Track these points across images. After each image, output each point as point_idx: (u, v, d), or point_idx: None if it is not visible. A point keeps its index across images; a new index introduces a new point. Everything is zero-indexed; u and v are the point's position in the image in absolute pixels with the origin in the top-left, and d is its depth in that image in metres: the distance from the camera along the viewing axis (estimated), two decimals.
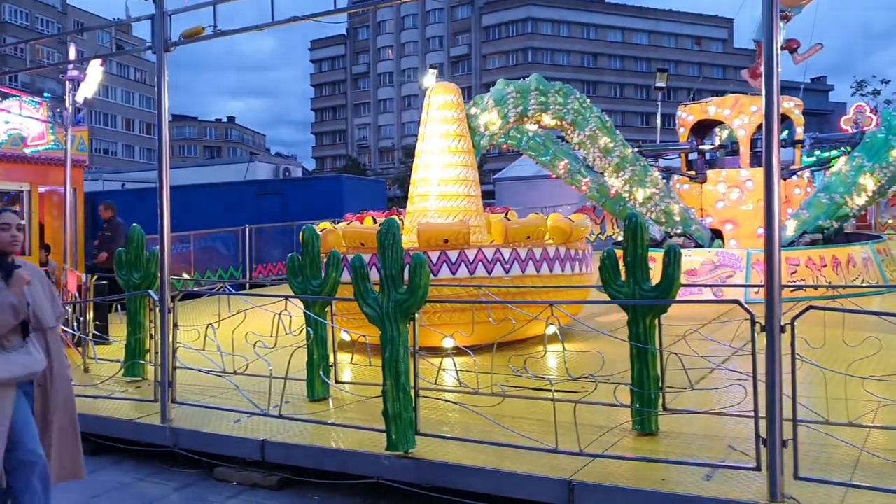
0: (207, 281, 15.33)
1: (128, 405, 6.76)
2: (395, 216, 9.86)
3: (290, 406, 6.14)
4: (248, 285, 16.36)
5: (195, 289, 12.35)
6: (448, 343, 6.66)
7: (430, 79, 15.82)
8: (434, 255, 8.09)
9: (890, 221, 24.82)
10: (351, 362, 7.43)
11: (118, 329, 9.02)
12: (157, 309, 6.37)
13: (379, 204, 24.69)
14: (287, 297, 6.39)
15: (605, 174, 12.98)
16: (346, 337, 8.11)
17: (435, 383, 5.99)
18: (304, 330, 6.37)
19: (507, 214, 9.94)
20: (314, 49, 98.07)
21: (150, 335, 7.15)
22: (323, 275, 6.51)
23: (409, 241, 8.73)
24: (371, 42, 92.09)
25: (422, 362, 5.44)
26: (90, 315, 8.69)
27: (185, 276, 13.83)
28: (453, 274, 8.11)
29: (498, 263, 8.30)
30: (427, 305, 7.69)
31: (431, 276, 7.93)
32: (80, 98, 10.58)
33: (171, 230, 6.38)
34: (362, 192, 26.77)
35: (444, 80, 10.83)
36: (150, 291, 7.01)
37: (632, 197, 12.79)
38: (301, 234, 6.81)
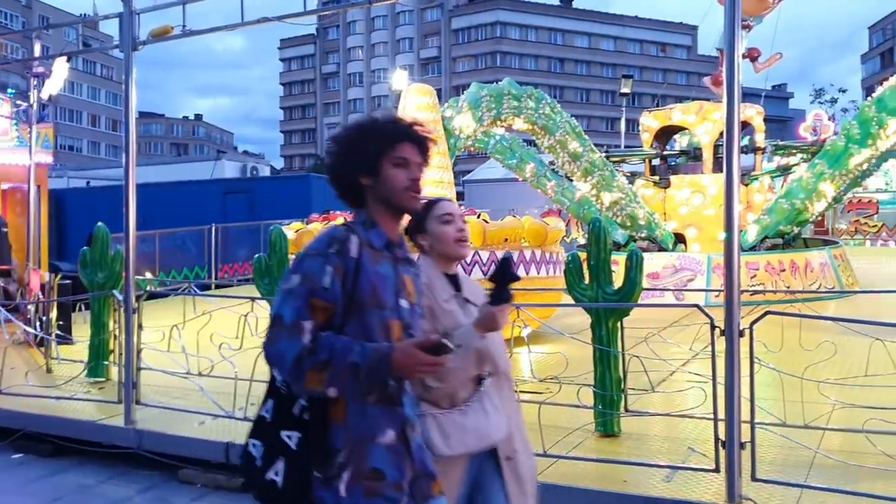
0: (173, 281, 15.19)
1: (91, 406, 6.68)
2: None
3: (256, 408, 6.10)
4: (213, 285, 16.24)
5: (160, 289, 12.23)
6: None
7: (400, 80, 15.86)
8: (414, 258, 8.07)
9: (844, 227, 25.38)
10: None
11: (82, 329, 8.92)
12: (122, 309, 6.32)
13: None
14: (254, 299, 6.38)
15: (574, 178, 13.13)
16: None
17: None
18: None
19: (479, 216, 9.95)
20: (283, 48, 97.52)
21: (114, 336, 7.09)
22: None
23: None
24: (341, 42, 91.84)
25: None
26: (53, 315, 8.57)
27: (149, 275, 13.68)
28: None
29: (476, 266, 8.33)
30: None
31: None
32: (45, 95, 10.44)
33: (136, 229, 6.33)
34: (330, 192, 26.60)
35: (415, 82, 10.86)
36: (115, 291, 6.95)
37: (599, 201, 12.95)
38: (270, 234, 6.77)
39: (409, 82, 10.68)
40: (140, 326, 6.37)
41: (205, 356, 6.37)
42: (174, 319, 6.92)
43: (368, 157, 2.29)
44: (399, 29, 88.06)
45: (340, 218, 10.66)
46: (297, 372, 2.09)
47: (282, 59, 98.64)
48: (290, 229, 9.64)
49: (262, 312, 6.35)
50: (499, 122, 12.04)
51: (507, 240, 8.69)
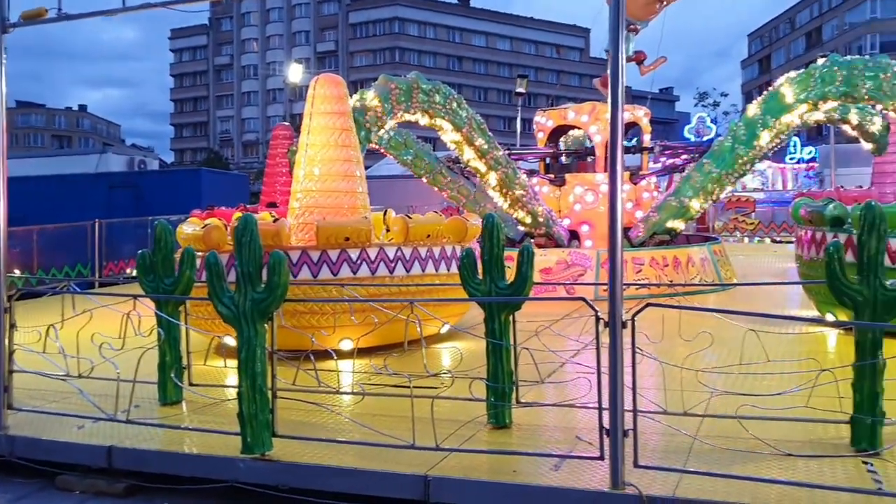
0: (51, 279, 14.43)
1: None
2: (252, 213, 9.56)
3: (141, 410, 5.89)
4: (97, 283, 15.53)
5: (37, 287, 11.61)
6: (346, 345, 6.57)
7: (295, 73, 15.55)
8: (334, 254, 7.93)
9: (719, 225, 26.65)
10: (204, 364, 7.20)
11: None
12: None
13: (242, 199, 24.16)
14: (136, 297, 6.13)
15: (479, 175, 13.23)
16: (230, 342, 7.69)
17: (294, 384, 5.91)
18: (156, 331, 6.13)
19: (385, 213, 9.84)
20: (174, 38, 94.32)
21: None
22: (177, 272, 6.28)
23: (301, 239, 8.41)
24: (235, 34, 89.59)
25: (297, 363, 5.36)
26: None
27: (17, 272, 12.96)
28: (354, 273, 7.97)
29: (399, 262, 8.26)
30: (317, 307, 7.53)
31: (331, 276, 7.84)
32: None
33: (8, 224, 5.98)
34: (224, 187, 26.09)
35: (312, 75, 10.61)
36: None
37: (502, 197, 13.09)
38: (155, 229, 6.50)
39: (306, 76, 10.43)
40: (13, 326, 6.01)
41: (84, 357, 6.08)
42: (51, 319, 6.58)
43: None
44: (295, 21, 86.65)
45: (239, 213, 10.29)
46: None
47: (173, 50, 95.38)
48: (193, 223, 9.18)
49: (146, 311, 6.13)
50: (407, 116, 11.97)
51: (429, 236, 8.66)
